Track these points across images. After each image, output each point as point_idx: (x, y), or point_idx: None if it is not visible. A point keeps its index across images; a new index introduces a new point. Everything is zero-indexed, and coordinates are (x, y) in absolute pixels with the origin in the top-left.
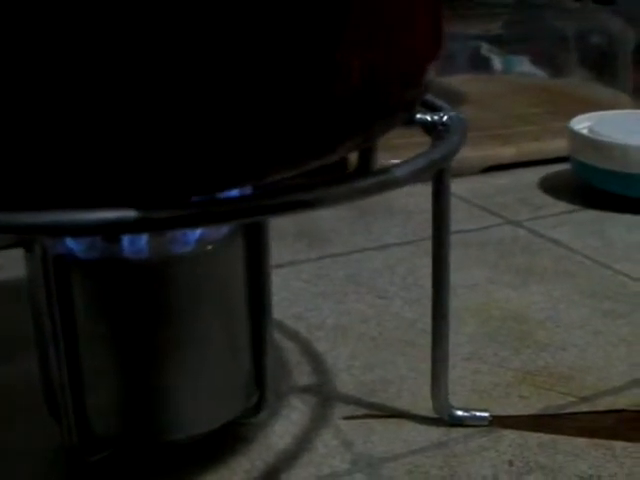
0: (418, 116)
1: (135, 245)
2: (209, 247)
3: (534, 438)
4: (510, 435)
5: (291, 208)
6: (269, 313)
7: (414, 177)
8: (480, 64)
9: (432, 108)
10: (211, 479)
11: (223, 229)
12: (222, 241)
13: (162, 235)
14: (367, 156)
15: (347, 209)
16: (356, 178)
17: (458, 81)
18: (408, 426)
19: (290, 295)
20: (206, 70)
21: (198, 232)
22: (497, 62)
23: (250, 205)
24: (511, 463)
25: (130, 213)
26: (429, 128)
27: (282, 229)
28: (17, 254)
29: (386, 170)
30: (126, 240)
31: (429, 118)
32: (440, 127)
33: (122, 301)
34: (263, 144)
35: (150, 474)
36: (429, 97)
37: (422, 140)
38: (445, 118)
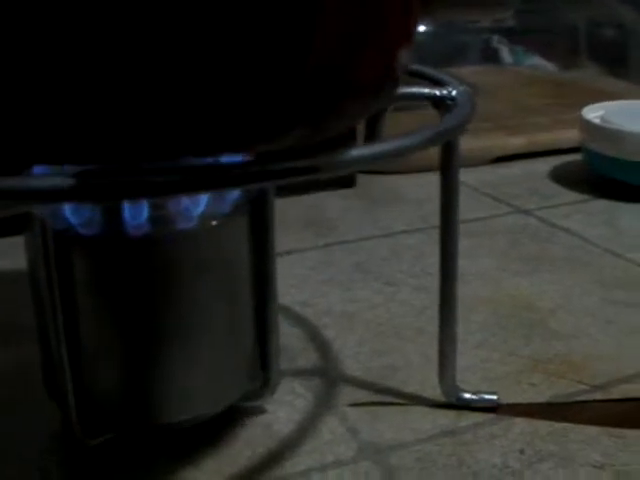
0: (426, 91)
1: (136, 220)
2: (212, 223)
3: (545, 426)
4: (520, 423)
5: (293, 174)
6: (274, 295)
7: (422, 147)
8: (491, 56)
9: (440, 84)
10: (212, 465)
11: (227, 206)
12: (226, 218)
13: (164, 210)
14: (374, 126)
15: (356, 198)
16: (361, 146)
17: (468, 72)
18: (416, 413)
19: (296, 282)
20: (181, 36)
21: (201, 208)
22: (507, 54)
23: (250, 170)
24: (522, 451)
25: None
26: (437, 103)
27: (289, 217)
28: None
29: (393, 139)
30: (127, 215)
31: (437, 93)
32: (449, 101)
33: (123, 278)
34: (240, 111)
35: (151, 458)
36: (437, 72)
37: None
38: (454, 92)
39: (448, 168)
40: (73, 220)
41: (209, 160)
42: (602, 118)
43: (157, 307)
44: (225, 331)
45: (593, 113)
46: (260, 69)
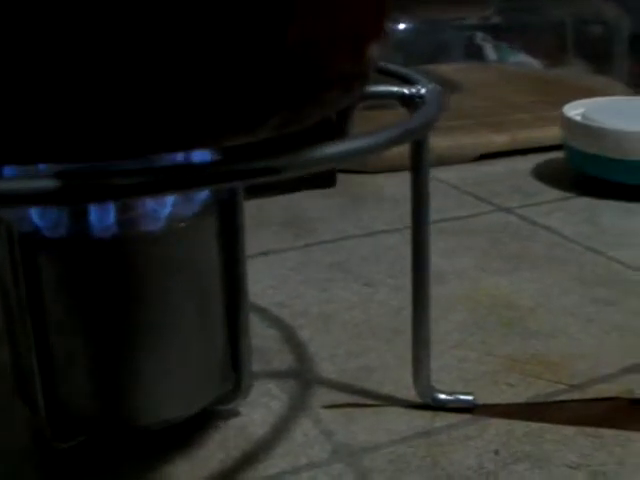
0: (395, 89)
1: (103, 222)
2: (180, 225)
3: (521, 427)
4: (496, 424)
5: (256, 175)
6: (245, 296)
7: (388, 146)
8: (475, 54)
9: (409, 82)
10: (185, 468)
11: (195, 207)
12: (194, 219)
13: (132, 212)
14: (342, 124)
15: (336, 197)
16: (327, 144)
17: (452, 70)
18: (391, 415)
19: (274, 282)
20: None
21: (168, 209)
22: (491, 52)
23: (214, 171)
24: (497, 452)
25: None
26: (406, 101)
27: (268, 217)
28: None
29: (359, 138)
30: (94, 217)
31: (406, 91)
32: (417, 100)
33: (91, 281)
34: (217, 101)
35: (123, 461)
36: (406, 71)
37: None
38: (422, 91)
39: (418, 167)
40: (40, 223)
41: (176, 160)
42: (583, 115)
43: (126, 309)
44: (195, 333)
45: (574, 110)
46: (236, 57)
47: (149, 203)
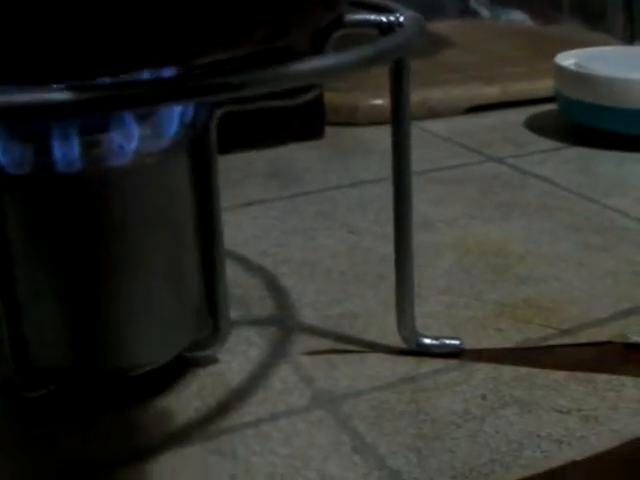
0: (373, 17)
1: (68, 158)
2: (148, 160)
3: (510, 372)
4: (484, 369)
5: (215, 91)
6: (219, 237)
7: (363, 66)
8: (469, 11)
9: (388, 12)
10: (160, 416)
11: (164, 143)
12: (162, 155)
13: (97, 148)
14: (319, 42)
15: (324, 149)
16: (293, 62)
17: (444, 26)
18: (374, 361)
19: (258, 232)
20: None
21: (134, 144)
22: (485, 10)
23: (169, 87)
24: (484, 397)
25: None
26: (385, 29)
27: (255, 170)
28: None
29: (326, 56)
30: (58, 153)
31: (384, 19)
32: (397, 27)
33: (57, 219)
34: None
35: (95, 410)
36: (384, 1)
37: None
38: (401, 18)
39: (398, 95)
40: (2, 160)
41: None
42: (576, 64)
43: (93, 249)
44: (167, 275)
45: (567, 60)
46: None
47: (115, 138)
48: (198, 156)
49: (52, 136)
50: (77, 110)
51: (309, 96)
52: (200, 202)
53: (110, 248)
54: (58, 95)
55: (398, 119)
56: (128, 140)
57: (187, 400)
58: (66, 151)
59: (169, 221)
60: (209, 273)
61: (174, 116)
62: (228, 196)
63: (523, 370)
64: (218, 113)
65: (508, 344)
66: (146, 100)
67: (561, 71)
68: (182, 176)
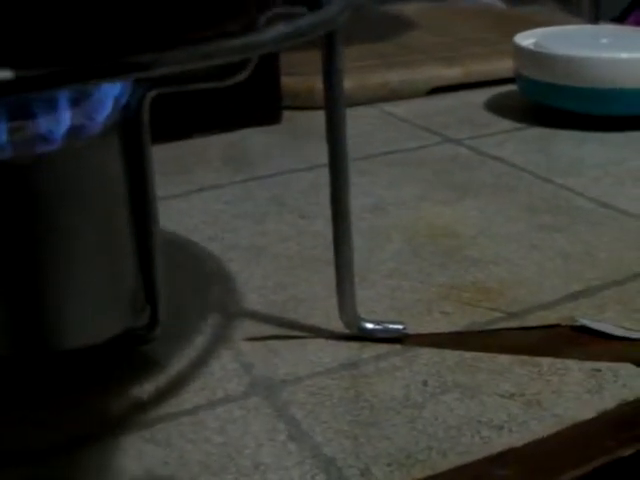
0: None
1: None
2: (79, 145)
3: (453, 356)
4: (427, 354)
5: (125, 71)
6: (155, 222)
7: (284, 41)
8: None
9: None
10: (97, 404)
11: (94, 127)
12: (93, 139)
13: (24, 132)
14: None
15: (281, 134)
16: (207, 42)
17: (410, 8)
18: (315, 347)
19: (208, 218)
20: None
21: (63, 128)
22: None
23: (76, 68)
24: (425, 383)
25: None
26: (312, 3)
27: (208, 155)
28: None
29: (249, 34)
30: None
31: None
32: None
33: None
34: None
35: (30, 398)
36: None
37: None
38: None
39: (329, 75)
40: None
41: None
42: (535, 43)
43: (23, 236)
44: (96, 257)
45: (527, 40)
46: None
47: (44, 123)
48: (131, 140)
49: None
50: None
51: (240, 77)
52: (134, 186)
53: (38, 232)
54: None
55: (332, 98)
56: (58, 125)
57: (125, 387)
58: None
59: (102, 206)
60: (145, 258)
61: (106, 100)
62: (181, 182)
63: (467, 355)
64: (150, 95)
65: (454, 328)
66: (51, 82)
67: (520, 51)
68: (115, 160)
